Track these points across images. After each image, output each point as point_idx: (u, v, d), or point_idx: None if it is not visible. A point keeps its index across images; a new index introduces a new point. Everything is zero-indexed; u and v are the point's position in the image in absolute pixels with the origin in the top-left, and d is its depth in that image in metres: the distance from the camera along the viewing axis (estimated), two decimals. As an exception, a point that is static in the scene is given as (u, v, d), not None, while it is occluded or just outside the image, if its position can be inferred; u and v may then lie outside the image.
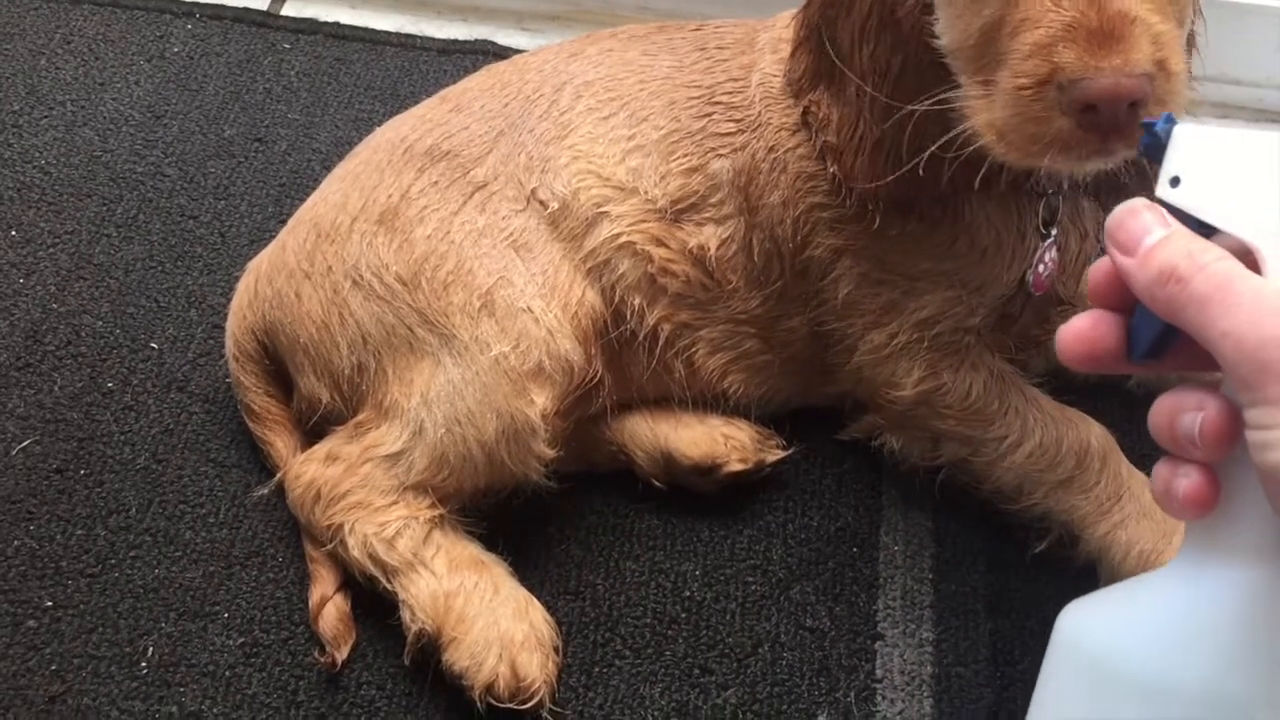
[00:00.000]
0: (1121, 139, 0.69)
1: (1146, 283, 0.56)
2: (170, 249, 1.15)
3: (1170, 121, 0.59)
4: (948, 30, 0.77)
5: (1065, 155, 0.70)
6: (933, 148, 0.77)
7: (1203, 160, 0.57)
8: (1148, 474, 0.91)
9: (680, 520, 0.97)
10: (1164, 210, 0.57)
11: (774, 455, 0.97)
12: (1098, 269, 0.60)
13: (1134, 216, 0.58)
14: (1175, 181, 0.58)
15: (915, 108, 0.77)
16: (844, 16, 0.82)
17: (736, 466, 0.95)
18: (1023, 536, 0.93)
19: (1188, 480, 0.55)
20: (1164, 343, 0.56)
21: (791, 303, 0.94)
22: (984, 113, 0.73)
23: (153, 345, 1.07)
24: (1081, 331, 0.59)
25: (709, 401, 0.98)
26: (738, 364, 0.97)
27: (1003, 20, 0.71)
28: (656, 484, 0.97)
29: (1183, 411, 0.56)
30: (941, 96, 0.76)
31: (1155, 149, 0.59)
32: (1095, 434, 0.90)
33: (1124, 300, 0.58)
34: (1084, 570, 0.91)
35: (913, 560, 0.95)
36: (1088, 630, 0.59)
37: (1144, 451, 0.98)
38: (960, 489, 0.95)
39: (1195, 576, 0.57)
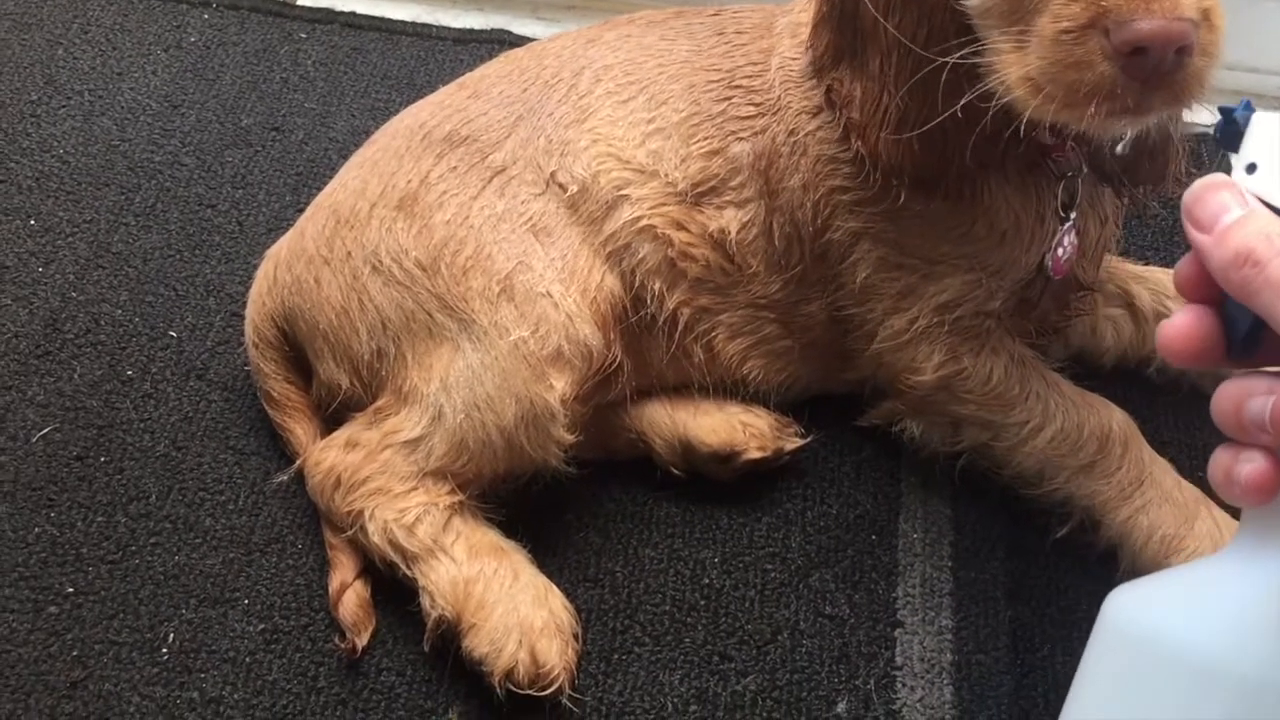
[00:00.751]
0: (1164, 88, 0.68)
1: (1222, 263, 0.55)
2: (188, 237, 1.15)
3: (1249, 109, 0.59)
4: None
5: (1107, 105, 0.68)
6: (956, 107, 0.76)
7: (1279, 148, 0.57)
8: (1169, 460, 0.91)
9: (699, 508, 0.97)
10: (1243, 189, 0.57)
11: (792, 443, 0.97)
12: (1185, 262, 0.59)
13: (1212, 193, 0.57)
14: (1251, 168, 0.58)
15: (946, 60, 0.75)
16: None
17: (755, 454, 0.95)
18: (1043, 523, 0.93)
19: (1251, 465, 0.55)
20: (1257, 333, 0.56)
21: (811, 287, 0.94)
22: (1017, 66, 0.71)
23: (171, 333, 1.08)
24: (1182, 328, 0.59)
25: (728, 388, 0.98)
26: (757, 349, 0.96)
27: None
28: (675, 471, 0.97)
29: (1251, 396, 0.55)
30: (970, 54, 0.75)
31: (1232, 136, 0.60)
32: (1117, 419, 0.90)
33: (1212, 290, 0.57)
34: (1104, 556, 0.91)
35: (932, 548, 0.95)
36: (1139, 614, 0.59)
37: (1164, 438, 0.98)
38: (979, 476, 0.95)
39: (1253, 563, 0.57)
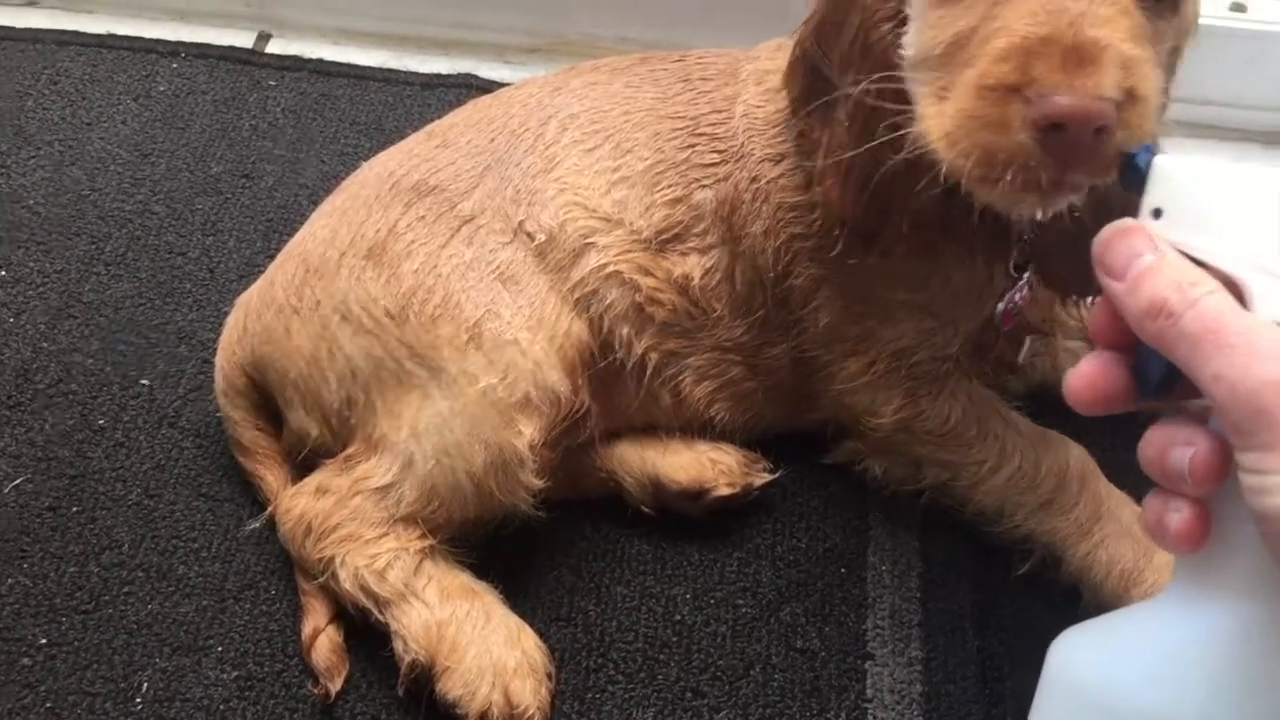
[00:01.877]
0: (1081, 167, 0.65)
1: (1136, 313, 0.55)
2: (159, 285, 1.15)
3: (1150, 152, 0.59)
4: (915, 42, 0.75)
5: (1022, 176, 0.66)
6: (894, 160, 0.75)
7: (1184, 192, 0.57)
8: (1127, 492, 0.93)
9: (670, 545, 0.98)
10: (1152, 231, 0.57)
11: (761, 479, 0.98)
12: (1098, 309, 0.59)
13: (1122, 238, 0.57)
14: (1157, 213, 0.57)
15: (890, 115, 0.75)
16: (835, 38, 0.81)
17: (724, 491, 0.96)
18: (1009, 555, 0.94)
19: (1179, 515, 0.55)
20: (1172, 377, 0.55)
21: (774, 331, 0.95)
22: (937, 117, 0.70)
23: (143, 382, 1.08)
24: (1088, 377, 0.59)
25: (696, 428, 0.99)
26: (723, 391, 0.98)
27: (975, 31, 0.70)
28: (646, 509, 0.97)
29: (1173, 446, 0.55)
30: (906, 109, 0.74)
31: (1135, 180, 0.59)
32: (1074, 456, 0.91)
33: (1126, 337, 0.57)
34: (1069, 588, 0.92)
35: (900, 580, 0.96)
36: (1079, 662, 0.59)
37: (1124, 470, 0.99)
38: (946, 509, 0.96)
39: (1186, 611, 0.57)
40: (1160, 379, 0.56)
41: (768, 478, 0.99)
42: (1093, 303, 0.90)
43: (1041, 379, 1.05)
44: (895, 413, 0.93)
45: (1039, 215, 0.71)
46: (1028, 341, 0.98)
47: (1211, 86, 1.30)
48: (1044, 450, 0.91)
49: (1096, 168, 0.65)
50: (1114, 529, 0.89)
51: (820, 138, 0.84)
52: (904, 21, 0.76)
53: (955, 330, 0.91)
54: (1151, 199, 0.58)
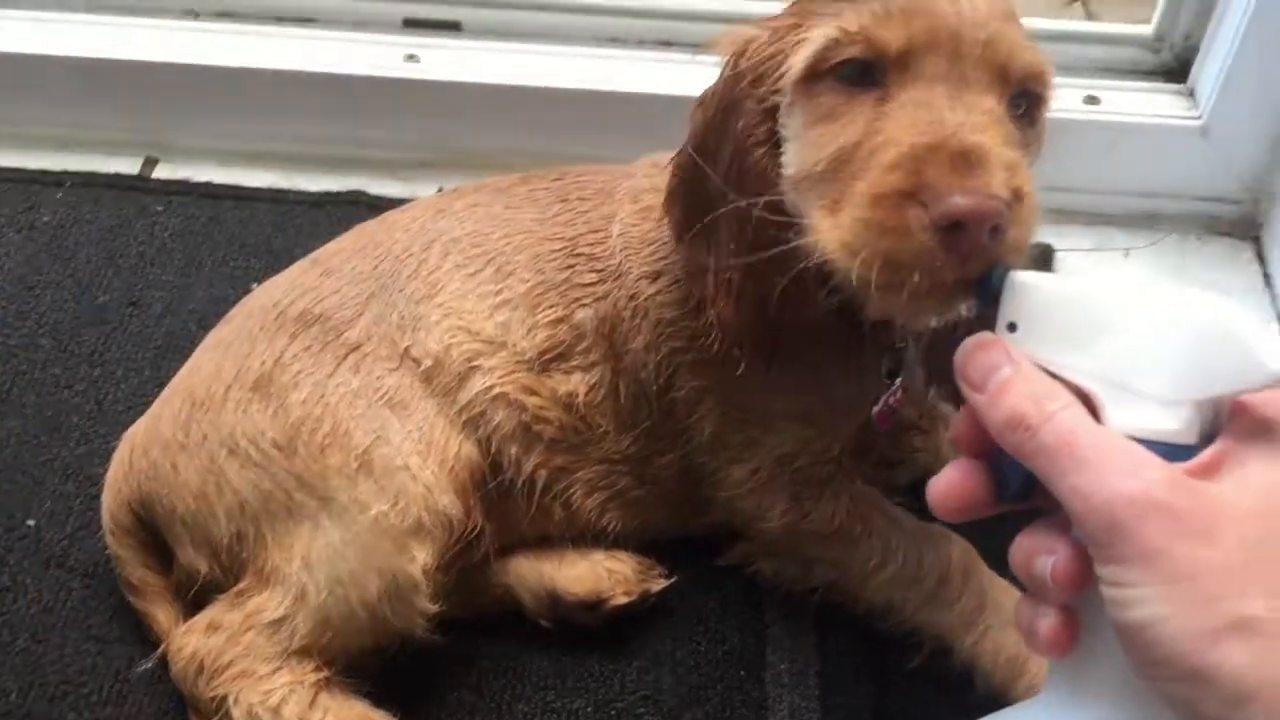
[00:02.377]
0: (978, 265, 0.66)
1: (997, 425, 0.57)
2: (45, 421, 1.14)
3: (1004, 269, 0.63)
4: (795, 160, 0.77)
5: (929, 279, 0.66)
6: (783, 282, 0.77)
7: (1036, 306, 0.60)
8: (1011, 580, 0.96)
9: (570, 657, 0.99)
10: (1009, 344, 0.59)
11: (658, 584, 0.99)
12: (960, 417, 0.61)
13: (982, 352, 0.59)
14: (1012, 327, 0.60)
15: (775, 234, 0.76)
16: (710, 164, 0.83)
17: (621, 600, 0.97)
18: (905, 647, 0.96)
19: (1047, 621, 0.57)
20: (1032, 481, 0.57)
21: (661, 441, 0.97)
22: (831, 230, 0.71)
23: (29, 522, 1.06)
24: (949, 486, 0.61)
25: (590, 538, 1.00)
26: (614, 502, 0.99)
27: (859, 145, 0.72)
28: (544, 623, 0.98)
29: (1037, 554, 0.57)
30: (794, 229, 0.76)
31: (990, 295, 0.63)
32: (956, 551, 0.94)
33: (989, 444, 0.59)
34: (964, 676, 0.93)
35: (799, 678, 0.97)
36: None
37: (1006, 558, 1.03)
38: (841, 605, 0.98)
39: (1057, 715, 0.59)
40: (1021, 484, 0.59)
41: (664, 583, 1.00)
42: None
43: (925, 471, 1.08)
44: (781, 516, 0.95)
45: (934, 323, 0.73)
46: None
47: (1072, 174, 1.37)
48: (927, 546, 0.94)
49: (997, 261, 0.66)
50: (997, 619, 0.91)
51: (706, 262, 0.85)
52: (778, 144, 0.79)
53: (835, 435, 0.93)
54: (1006, 313, 0.61)
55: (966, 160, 0.67)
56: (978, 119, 0.69)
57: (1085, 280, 0.60)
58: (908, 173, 0.67)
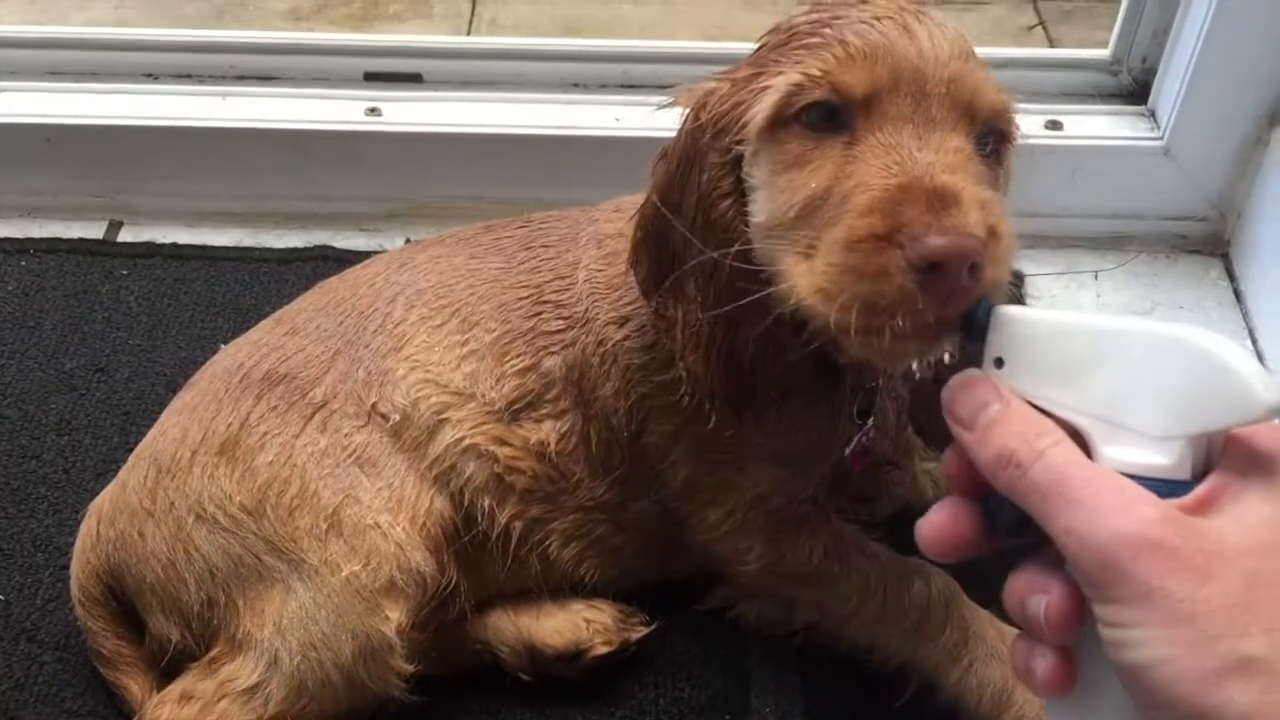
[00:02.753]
0: (959, 305, 0.65)
1: (987, 463, 0.56)
2: (13, 493, 1.12)
3: (988, 304, 0.62)
4: (764, 209, 0.76)
5: (910, 320, 0.65)
6: (755, 332, 0.77)
7: (1023, 341, 0.59)
8: (993, 610, 0.94)
9: (553, 710, 0.97)
10: (998, 381, 0.59)
11: (638, 633, 0.98)
12: (950, 456, 0.60)
13: (969, 389, 0.59)
14: (999, 363, 0.59)
15: (744, 286, 0.75)
16: (676, 216, 0.82)
17: (601, 650, 0.96)
18: (891, 685, 0.94)
19: (1044, 662, 0.56)
20: (1025, 518, 0.56)
21: (636, 486, 0.96)
22: (806, 276, 0.70)
23: (-1, 596, 1.05)
24: (939, 527, 0.59)
25: (568, 588, 0.99)
26: (591, 550, 0.98)
27: (830, 190, 0.71)
28: (524, 677, 0.97)
29: (1030, 593, 0.56)
30: (764, 279, 0.75)
31: (976, 331, 0.62)
32: (936, 584, 0.93)
33: (979, 483, 0.58)
34: (951, 712, 0.93)
35: (785, 720, 0.96)
36: None
37: (992, 583, 1.01)
38: (826, 644, 0.97)
39: None
40: (1012, 521, 0.57)
41: (644, 630, 0.99)
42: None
43: (902, 504, 1.08)
44: (759, 558, 0.94)
45: (915, 366, 0.72)
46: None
47: (1038, 199, 1.38)
48: (906, 581, 0.93)
49: (970, 304, 0.65)
50: (981, 651, 0.91)
51: (675, 315, 0.84)
52: (744, 194, 0.79)
53: (808, 475, 0.93)
54: (992, 348, 0.60)
55: (941, 199, 0.66)
56: (948, 158, 0.69)
57: (1071, 312, 0.60)
58: (883, 215, 0.66)
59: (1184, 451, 0.54)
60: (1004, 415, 0.57)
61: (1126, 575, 0.50)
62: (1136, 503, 0.51)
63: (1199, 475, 0.54)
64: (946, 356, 0.69)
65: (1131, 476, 0.53)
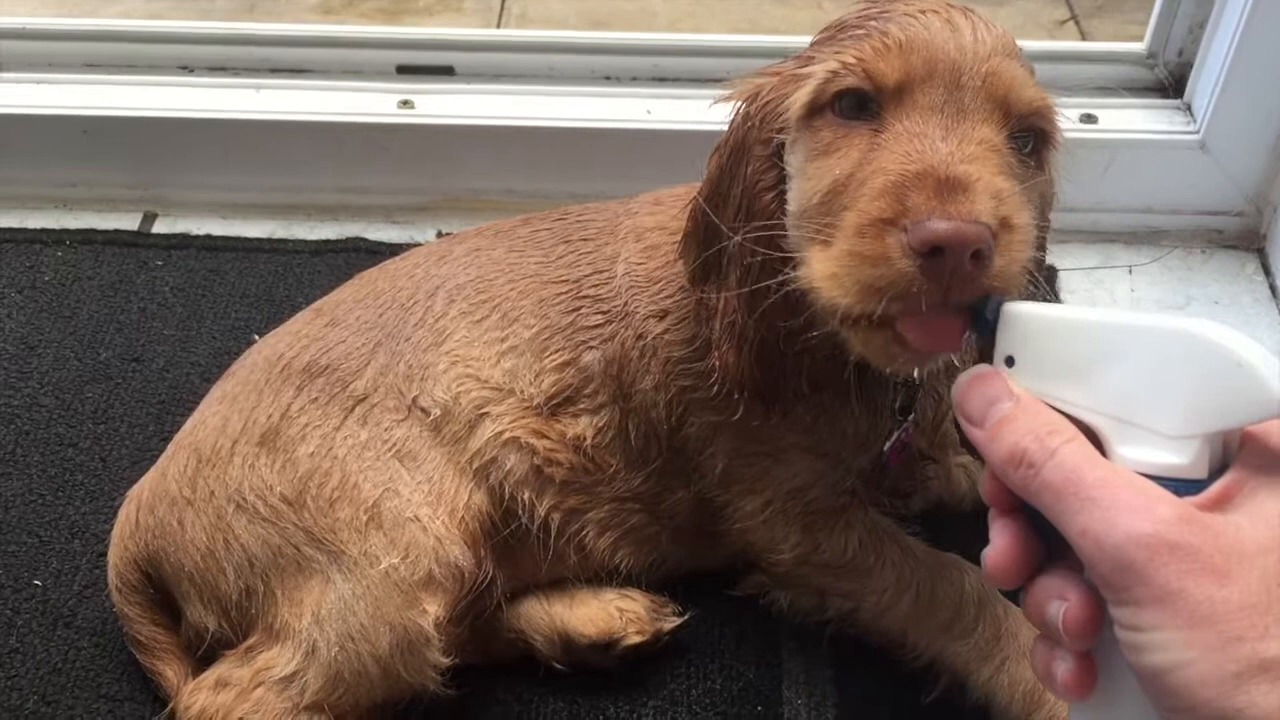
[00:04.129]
0: (961, 292, 0.64)
1: (1000, 462, 0.55)
2: (50, 480, 1.13)
3: (998, 301, 0.61)
4: (795, 196, 0.77)
5: (899, 304, 0.66)
6: (787, 326, 0.77)
7: (1034, 339, 0.58)
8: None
9: (585, 699, 0.98)
10: (1008, 376, 0.58)
11: (671, 622, 0.99)
12: (987, 474, 0.58)
13: (979, 385, 0.58)
14: (1010, 361, 0.59)
15: (781, 279, 0.75)
16: (722, 208, 0.83)
17: (635, 639, 0.97)
18: (922, 680, 0.94)
19: (1065, 666, 0.55)
20: None
21: (674, 477, 0.96)
22: (822, 261, 0.70)
23: (36, 582, 1.05)
24: (997, 556, 0.57)
25: (603, 576, 0.99)
26: (626, 539, 0.99)
27: (852, 175, 0.71)
28: (558, 666, 0.97)
29: (1049, 600, 0.55)
30: (793, 269, 0.75)
31: (986, 328, 0.61)
32: (970, 580, 0.93)
33: (1018, 500, 0.56)
34: (982, 709, 0.92)
35: (816, 712, 0.96)
36: None
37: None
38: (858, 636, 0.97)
39: None
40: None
41: (677, 621, 0.99)
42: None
43: (938, 497, 1.08)
44: (794, 548, 0.94)
45: (914, 374, 0.71)
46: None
47: (1071, 193, 1.34)
48: (940, 576, 0.93)
49: (981, 291, 0.64)
50: (1013, 650, 0.90)
51: (716, 305, 0.85)
52: (785, 185, 0.79)
53: (847, 468, 0.93)
54: (1003, 346, 0.60)
55: (951, 186, 0.66)
56: (970, 149, 0.69)
57: (1081, 308, 0.59)
58: (891, 200, 0.67)
59: (1200, 450, 0.53)
60: (1015, 412, 0.56)
61: (1144, 577, 0.49)
62: (1153, 502, 0.51)
63: (1216, 471, 0.54)
64: (955, 359, 0.68)
65: (1148, 476, 0.52)
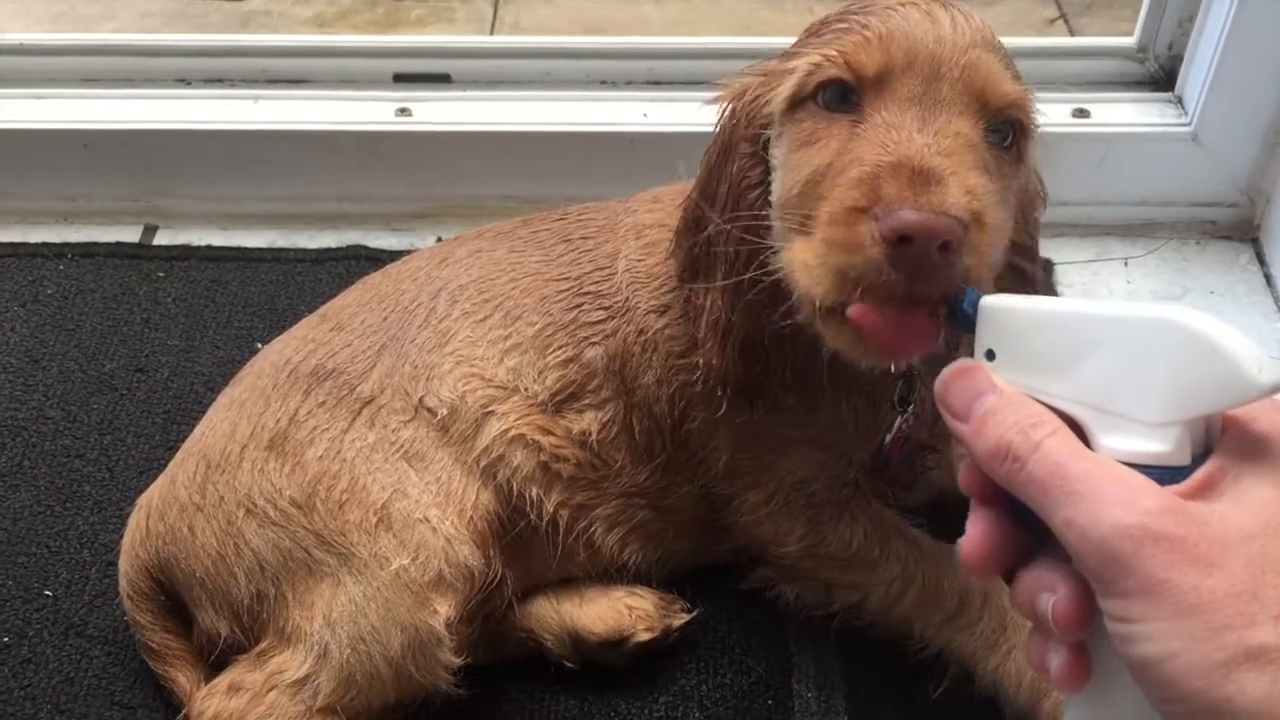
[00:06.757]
0: (928, 283, 0.65)
1: (985, 455, 0.55)
2: (58, 491, 1.14)
3: (976, 295, 0.61)
4: (779, 187, 0.78)
5: (871, 293, 0.66)
6: (770, 323, 0.78)
7: (1014, 332, 0.58)
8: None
9: (596, 697, 0.98)
10: (990, 370, 0.58)
11: (679, 619, 0.99)
12: (966, 466, 0.58)
13: (962, 379, 0.57)
14: (990, 355, 0.58)
15: (763, 274, 0.76)
16: (711, 205, 0.84)
17: (644, 636, 0.97)
18: (931, 672, 0.95)
19: (1059, 658, 0.55)
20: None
21: (678, 472, 0.97)
22: (800, 251, 0.71)
23: (47, 593, 1.06)
24: (974, 545, 0.57)
25: (611, 573, 1.00)
26: (634, 535, 0.99)
27: (831, 165, 0.72)
28: (569, 664, 0.97)
29: (1038, 592, 0.55)
30: (767, 271, 0.76)
31: (965, 322, 0.61)
32: (975, 570, 0.93)
33: (997, 490, 0.56)
34: (990, 699, 0.93)
35: (826, 705, 0.96)
36: None
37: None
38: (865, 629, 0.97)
39: None
40: (1042, 527, 0.55)
41: (686, 617, 1.00)
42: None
43: (939, 488, 1.08)
44: (799, 541, 0.95)
45: (890, 367, 0.72)
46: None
47: (1066, 188, 1.37)
48: (945, 566, 0.93)
49: (947, 285, 0.65)
50: (1019, 639, 0.91)
51: (703, 303, 0.86)
52: (770, 182, 0.80)
53: (849, 460, 0.93)
54: (983, 340, 0.59)
55: (924, 178, 0.67)
56: (945, 142, 0.70)
57: (1060, 300, 0.59)
58: (866, 189, 0.68)
59: (1182, 436, 0.53)
60: (999, 406, 0.55)
61: (1130, 569, 0.49)
62: (1137, 493, 0.50)
63: (1199, 457, 0.54)
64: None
65: (1131, 465, 0.52)
